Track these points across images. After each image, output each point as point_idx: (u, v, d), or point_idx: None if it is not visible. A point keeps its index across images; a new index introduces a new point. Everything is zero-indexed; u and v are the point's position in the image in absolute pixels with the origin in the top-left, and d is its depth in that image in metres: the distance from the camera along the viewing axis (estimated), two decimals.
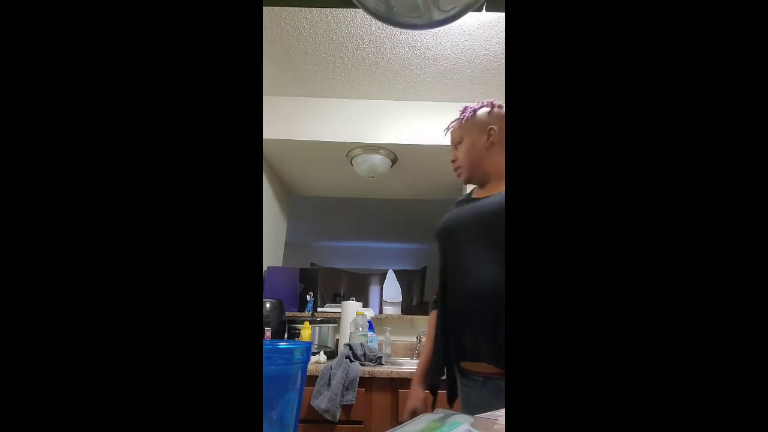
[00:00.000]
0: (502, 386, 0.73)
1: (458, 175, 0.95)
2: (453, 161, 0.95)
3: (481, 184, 0.94)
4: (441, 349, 0.88)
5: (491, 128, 0.90)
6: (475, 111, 0.93)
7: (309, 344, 0.49)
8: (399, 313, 2.08)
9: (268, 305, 1.79)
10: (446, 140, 1.91)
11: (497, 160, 0.91)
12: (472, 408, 0.80)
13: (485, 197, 0.88)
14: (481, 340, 0.77)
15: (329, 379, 1.37)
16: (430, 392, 0.92)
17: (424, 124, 1.99)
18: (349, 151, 2.06)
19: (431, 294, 2.95)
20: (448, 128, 0.99)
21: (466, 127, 0.93)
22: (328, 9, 1.48)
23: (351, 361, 1.44)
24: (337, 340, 1.80)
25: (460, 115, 0.95)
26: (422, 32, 1.57)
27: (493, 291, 0.76)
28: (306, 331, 1.70)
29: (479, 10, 0.66)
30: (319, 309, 2.07)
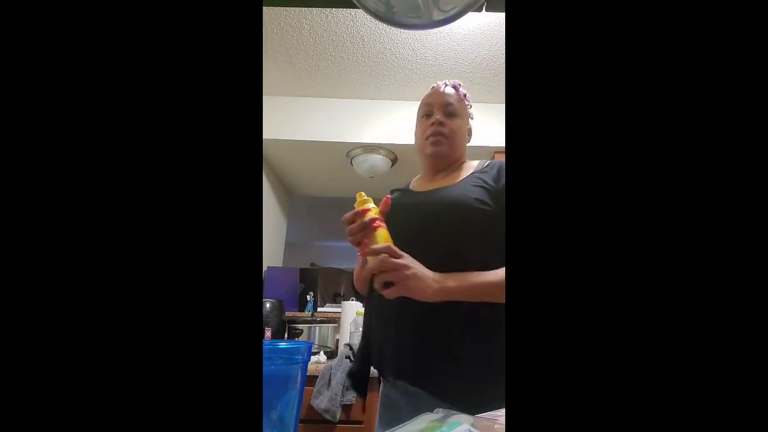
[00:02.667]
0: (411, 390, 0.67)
1: (437, 144, 0.79)
2: (440, 124, 0.79)
3: (437, 171, 0.83)
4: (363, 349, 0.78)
5: (470, 128, 0.85)
6: (466, 96, 0.85)
7: (309, 344, 0.49)
8: None
9: (268, 305, 1.79)
10: None
11: (461, 157, 0.83)
12: (385, 407, 0.75)
13: (430, 191, 0.78)
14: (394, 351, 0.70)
15: (329, 379, 1.37)
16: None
17: None
18: (349, 151, 2.06)
19: None
20: (444, 85, 0.83)
21: (464, 106, 0.83)
22: (328, 9, 1.48)
23: (351, 361, 1.44)
24: (337, 340, 1.80)
25: (458, 88, 0.83)
26: (422, 32, 1.57)
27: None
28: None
29: (479, 10, 0.66)
30: (319, 309, 2.07)
